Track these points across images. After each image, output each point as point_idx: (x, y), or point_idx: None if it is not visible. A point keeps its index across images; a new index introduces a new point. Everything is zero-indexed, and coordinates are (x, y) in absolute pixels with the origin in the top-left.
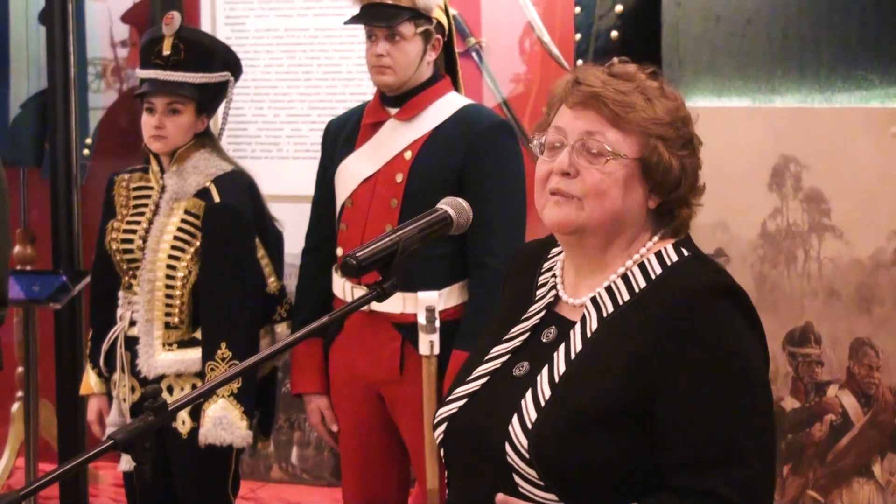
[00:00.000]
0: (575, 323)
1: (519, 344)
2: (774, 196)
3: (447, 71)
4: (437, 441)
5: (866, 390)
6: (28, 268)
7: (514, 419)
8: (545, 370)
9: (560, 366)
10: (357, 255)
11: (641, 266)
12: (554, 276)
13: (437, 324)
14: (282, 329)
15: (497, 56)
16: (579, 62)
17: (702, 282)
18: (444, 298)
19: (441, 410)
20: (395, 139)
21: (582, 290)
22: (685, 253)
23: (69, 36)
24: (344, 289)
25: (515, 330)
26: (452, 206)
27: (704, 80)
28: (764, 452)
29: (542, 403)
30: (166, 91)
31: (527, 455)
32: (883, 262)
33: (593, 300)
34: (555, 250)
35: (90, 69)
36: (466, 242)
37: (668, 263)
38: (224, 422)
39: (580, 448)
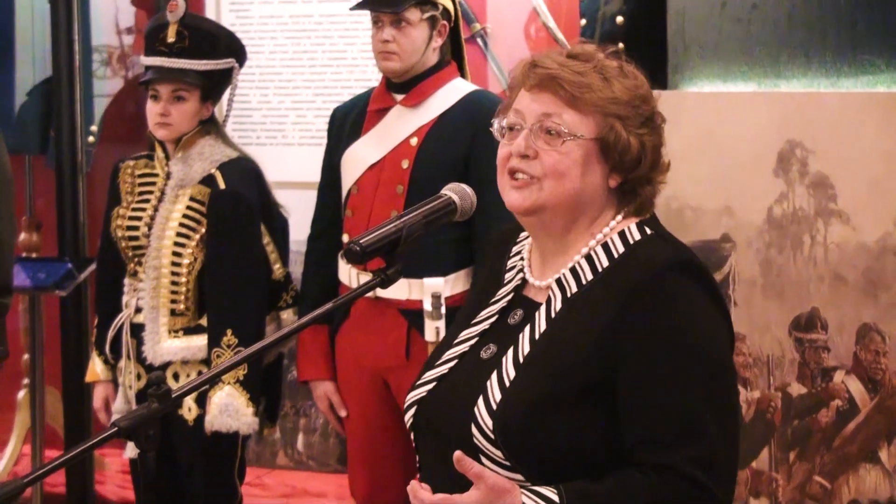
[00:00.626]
0: (541, 304)
1: (487, 327)
2: (780, 181)
3: (453, 57)
4: (408, 425)
5: (873, 376)
6: (34, 255)
7: (480, 400)
8: (510, 351)
9: (524, 346)
10: (361, 241)
11: (605, 246)
12: (521, 259)
13: (443, 310)
14: (287, 315)
15: (502, 42)
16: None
17: (664, 258)
18: (449, 284)
19: (411, 394)
20: (401, 125)
21: (548, 272)
22: (648, 231)
23: (74, 23)
24: (350, 275)
25: (484, 314)
26: (456, 193)
27: (710, 64)
28: (724, 429)
29: (507, 384)
30: (171, 78)
31: (491, 436)
32: (889, 247)
33: (558, 281)
34: (523, 235)
35: (95, 56)
36: (472, 228)
37: (631, 242)
38: (230, 409)
39: (544, 427)
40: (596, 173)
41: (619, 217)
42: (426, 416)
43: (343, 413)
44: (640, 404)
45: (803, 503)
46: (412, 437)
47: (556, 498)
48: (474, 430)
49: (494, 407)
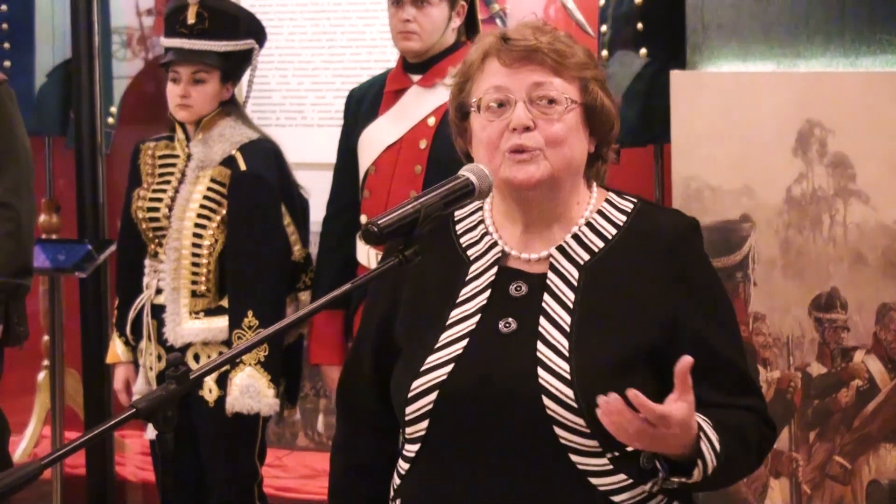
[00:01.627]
0: (543, 275)
1: (485, 302)
2: (799, 161)
3: (469, 38)
4: (419, 414)
5: (892, 356)
6: (53, 237)
7: (541, 371)
8: (544, 321)
9: (561, 315)
10: (378, 222)
11: (600, 213)
12: (486, 234)
13: None
14: (306, 297)
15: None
16: (603, 27)
17: (681, 221)
18: None
19: (420, 381)
20: (419, 105)
21: (535, 244)
22: (631, 198)
23: (94, 5)
24: (368, 256)
25: (467, 291)
26: (474, 173)
27: (729, 44)
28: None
29: (566, 353)
30: (191, 60)
31: (574, 405)
32: None
33: (561, 249)
34: (460, 213)
35: (115, 38)
36: None
37: (626, 209)
38: (251, 390)
39: (624, 390)
40: (583, 139)
41: (595, 186)
42: (456, 399)
43: None
44: (708, 356)
45: (823, 483)
46: (425, 424)
47: (708, 419)
48: (548, 401)
49: (568, 376)
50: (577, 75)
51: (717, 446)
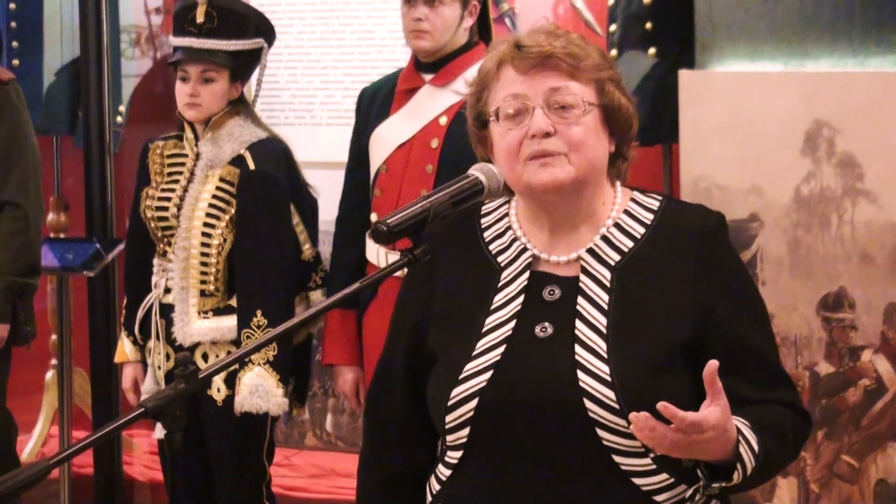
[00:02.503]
0: (574, 277)
1: (519, 308)
2: (808, 160)
3: (481, 37)
4: (460, 421)
5: None
6: (62, 235)
7: (582, 375)
8: (580, 324)
9: (596, 317)
10: (388, 221)
11: (627, 213)
12: (515, 239)
13: None
14: (317, 296)
15: (530, 22)
16: (612, 27)
17: (711, 216)
18: None
19: (460, 389)
20: (431, 105)
21: (562, 247)
22: (657, 196)
23: (103, 3)
24: (378, 254)
25: (501, 297)
26: (484, 173)
27: (737, 44)
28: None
29: (604, 355)
30: (200, 59)
31: (616, 406)
32: None
33: (591, 252)
34: (486, 220)
35: (124, 37)
36: None
37: (653, 207)
38: (260, 390)
39: (662, 391)
40: (604, 140)
41: (619, 186)
42: (497, 405)
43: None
44: (740, 351)
45: (831, 482)
46: (466, 432)
47: (746, 421)
48: (590, 405)
49: (608, 378)
50: (593, 77)
51: (756, 447)
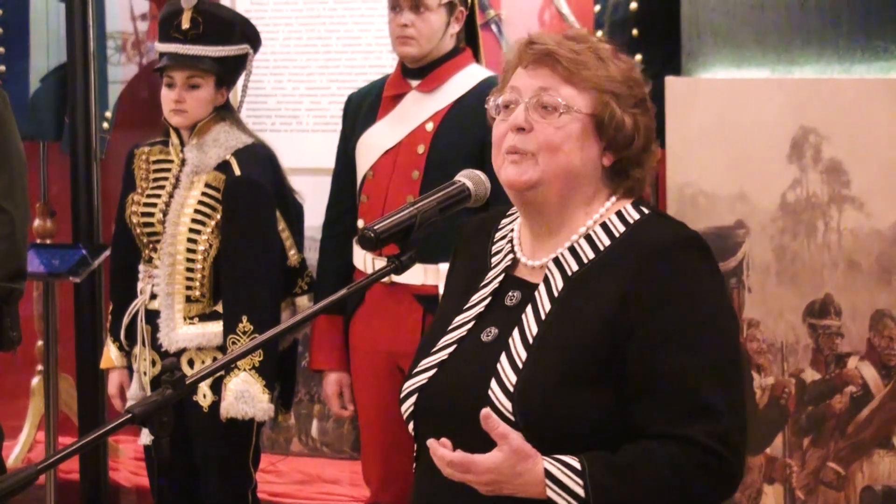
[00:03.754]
0: (538, 285)
1: (482, 310)
2: (794, 167)
3: (468, 43)
4: (406, 414)
5: (886, 362)
6: (48, 241)
7: (493, 383)
8: (516, 332)
9: (531, 327)
10: (375, 227)
11: (603, 225)
12: (509, 241)
13: None
14: (303, 302)
15: (516, 28)
16: (598, 34)
17: (670, 235)
18: None
19: (408, 383)
20: (417, 111)
21: (541, 252)
22: (645, 211)
23: (89, 9)
24: (365, 260)
25: (475, 297)
26: (471, 179)
27: (723, 51)
28: (734, 401)
29: (520, 365)
30: (186, 65)
31: (511, 417)
32: None
33: (556, 260)
34: (505, 221)
35: (110, 43)
36: None
37: (631, 221)
38: (246, 395)
39: (563, 407)
40: (591, 150)
41: (614, 198)
42: (430, 404)
43: (350, 408)
44: (653, 376)
45: (817, 489)
46: (411, 426)
47: (577, 465)
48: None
49: (511, 389)
50: (593, 86)
51: (581, 491)
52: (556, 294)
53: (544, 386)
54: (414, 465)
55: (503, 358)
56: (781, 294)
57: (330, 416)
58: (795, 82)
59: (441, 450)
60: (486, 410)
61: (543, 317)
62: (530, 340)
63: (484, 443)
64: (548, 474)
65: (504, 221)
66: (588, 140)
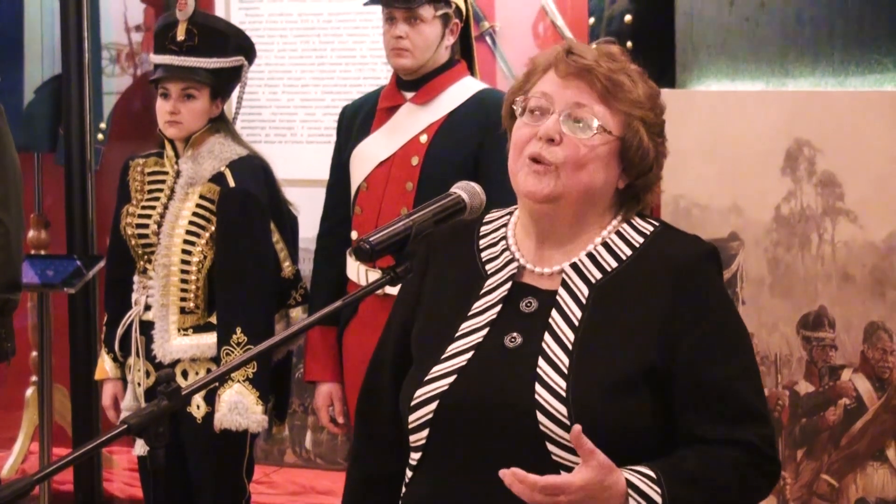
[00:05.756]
0: (554, 291)
1: (494, 317)
2: (788, 180)
3: (463, 55)
4: (420, 422)
5: (880, 374)
6: (42, 252)
7: (539, 388)
8: (548, 338)
9: (565, 332)
10: (370, 239)
11: (619, 234)
12: (506, 249)
13: None
14: (297, 313)
15: (511, 40)
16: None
17: (698, 247)
18: None
19: (423, 390)
20: (411, 123)
21: (550, 260)
22: (655, 222)
23: (84, 21)
24: (358, 272)
25: (480, 304)
26: (465, 191)
27: (718, 63)
28: (767, 408)
29: (565, 371)
30: (181, 76)
31: (567, 422)
32: None
33: (574, 266)
34: (486, 228)
35: (104, 54)
36: None
37: (647, 232)
38: (239, 406)
39: (617, 411)
40: (612, 172)
41: (620, 216)
42: (454, 410)
43: (341, 420)
44: (702, 385)
45: (811, 501)
46: (423, 433)
47: (652, 473)
48: (542, 417)
49: (564, 393)
50: (625, 110)
51: (658, 499)
52: (583, 301)
53: (599, 390)
54: (410, 473)
55: (542, 363)
56: (775, 306)
57: (324, 427)
58: (790, 95)
59: (531, 476)
60: (577, 427)
61: (577, 323)
62: (569, 346)
63: (511, 445)
64: (630, 485)
65: (484, 229)
66: (612, 162)
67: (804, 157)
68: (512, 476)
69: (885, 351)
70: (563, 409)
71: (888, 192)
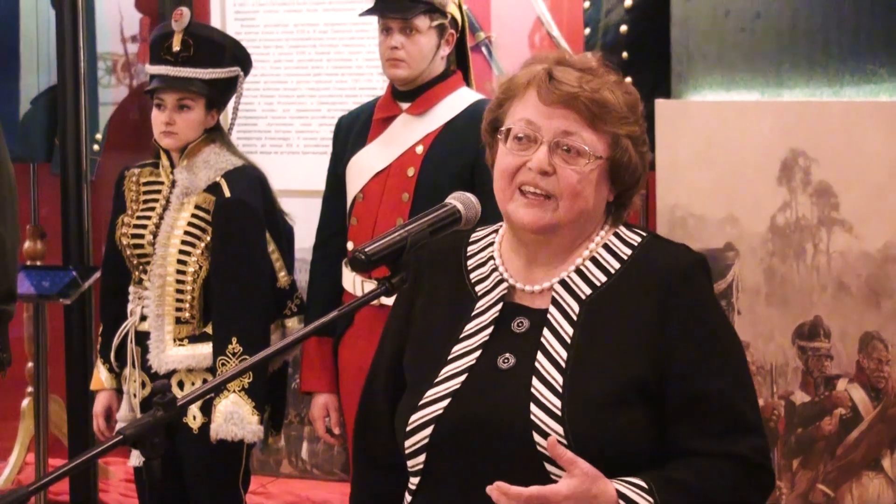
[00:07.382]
0: (545, 309)
1: (487, 338)
2: (783, 190)
3: (458, 66)
4: (417, 447)
5: (876, 384)
6: (38, 263)
7: (534, 408)
8: (541, 357)
9: (558, 351)
10: (366, 249)
11: (605, 247)
12: (494, 269)
13: None
14: (292, 324)
15: (506, 50)
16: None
17: (686, 257)
18: None
19: (417, 415)
20: (407, 133)
21: (539, 278)
22: (642, 232)
23: (79, 31)
24: (354, 283)
25: (472, 326)
26: (461, 201)
27: (713, 74)
28: (761, 421)
29: (559, 389)
30: (176, 87)
31: (565, 441)
32: (892, 255)
33: (563, 283)
34: (473, 247)
35: (100, 64)
36: None
37: (634, 243)
38: (235, 417)
39: (612, 428)
40: (604, 191)
41: (607, 226)
42: (450, 433)
43: (337, 431)
44: (695, 397)
45: None
46: (420, 458)
47: (644, 483)
48: (538, 437)
49: (559, 413)
50: (612, 130)
51: None
52: (573, 317)
53: (593, 408)
54: (409, 498)
55: (536, 383)
56: (771, 316)
57: (320, 438)
58: (785, 105)
59: (514, 489)
60: (553, 439)
61: (569, 340)
62: (562, 364)
63: (510, 466)
64: (620, 495)
65: (471, 248)
66: (603, 182)
67: (799, 167)
68: (497, 491)
69: (881, 361)
70: (559, 429)
71: (883, 201)
